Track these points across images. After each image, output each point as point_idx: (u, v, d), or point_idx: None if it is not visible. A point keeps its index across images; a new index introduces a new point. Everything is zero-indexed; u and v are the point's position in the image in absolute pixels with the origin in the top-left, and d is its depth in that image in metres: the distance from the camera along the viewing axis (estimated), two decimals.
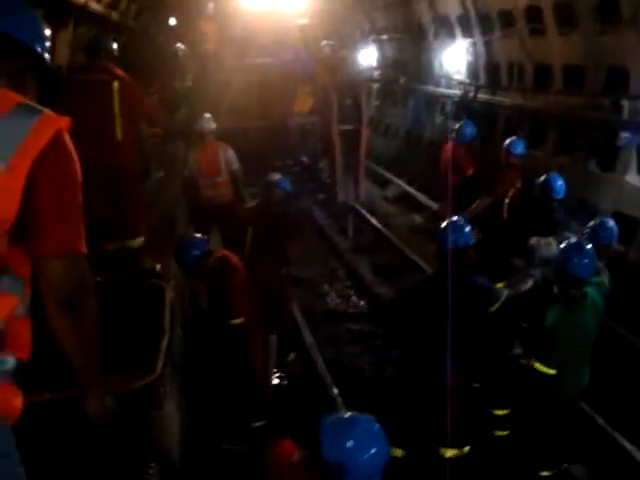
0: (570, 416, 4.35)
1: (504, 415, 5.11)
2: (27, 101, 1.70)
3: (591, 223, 5.04)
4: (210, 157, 7.59)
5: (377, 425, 2.35)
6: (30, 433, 2.00)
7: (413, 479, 4.57)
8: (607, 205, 7.37)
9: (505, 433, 5.12)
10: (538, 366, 4.12)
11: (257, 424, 5.09)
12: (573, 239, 4.57)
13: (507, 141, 7.34)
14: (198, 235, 5.08)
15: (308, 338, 6.64)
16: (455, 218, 4.58)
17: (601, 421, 5.00)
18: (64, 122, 1.71)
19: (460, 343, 4.02)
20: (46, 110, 1.69)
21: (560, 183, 6.14)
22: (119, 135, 5.01)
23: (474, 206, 7.32)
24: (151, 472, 2.84)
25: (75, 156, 1.74)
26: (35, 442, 2.25)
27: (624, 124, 7.15)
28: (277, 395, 5.78)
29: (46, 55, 1.88)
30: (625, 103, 7.02)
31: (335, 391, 5.61)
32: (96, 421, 1.86)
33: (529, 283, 4.72)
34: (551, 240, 5.30)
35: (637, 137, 7.06)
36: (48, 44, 1.90)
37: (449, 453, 4.49)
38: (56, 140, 1.66)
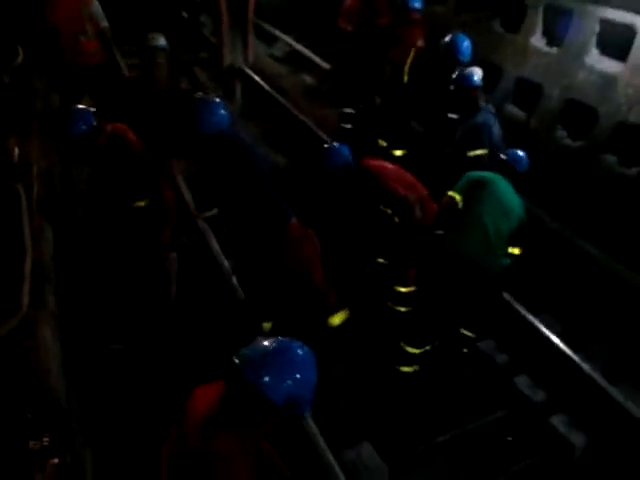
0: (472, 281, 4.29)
1: (407, 292, 5.02)
2: None
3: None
4: (70, 12, 6.36)
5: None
6: None
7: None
8: (510, 69, 7.05)
9: (407, 309, 5.04)
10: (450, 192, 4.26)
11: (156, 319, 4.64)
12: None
13: None
14: (83, 106, 4.24)
15: (200, 222, 6.11)
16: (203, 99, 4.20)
17: (507, 296, 4.97)
18: None
19: None
20: None
21: (466, 44, 5.83)
22: None
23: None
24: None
25: None
26: None
27: None
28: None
29: None
30: None
31: (234, 279, 5.22)
32: None
33: None
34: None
35: None
36: None
37: (332, 321, 4.46)
38: None
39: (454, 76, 5.15)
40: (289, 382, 1.85)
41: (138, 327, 4.51)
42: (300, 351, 1.91)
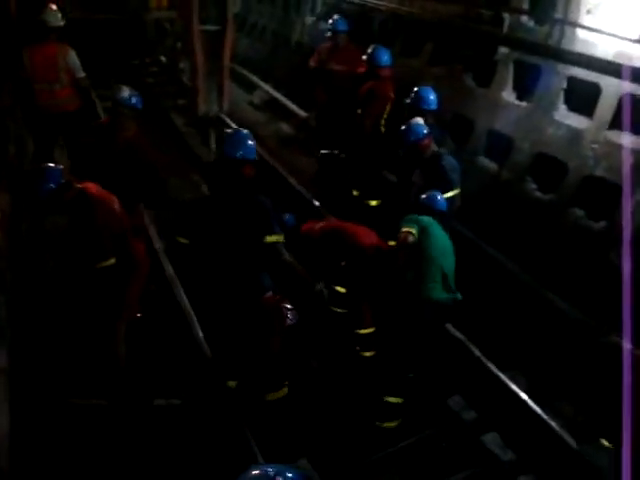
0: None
1: (369, 334, 5.12)
2: None
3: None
4: (46, 60, 6.42)
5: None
6: None
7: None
8: (482, 122, 7.16)
9: (371, 354, 5.13)
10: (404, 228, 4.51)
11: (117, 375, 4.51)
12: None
13: (369, 51, 6.83)
14: (52, 165, 4.23)
15: (167, 268, 6.04)
16: (240, 129, 4.62)
17: (477, 352, 4.93)
18: None
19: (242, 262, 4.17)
20: None
21: (432, 97, 5.89)
22: None
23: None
24: None
25: None
26: None
27: (503, 39, 6.85)
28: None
29: None
30: (506, 16, 6.68)
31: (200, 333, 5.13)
32: None
33: None
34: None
35: (514, 53, 6.80)
36: None
37: (270, 397, 4.52)
38: None
39: (399, 134, 5.32)
40: None
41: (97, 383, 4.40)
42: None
